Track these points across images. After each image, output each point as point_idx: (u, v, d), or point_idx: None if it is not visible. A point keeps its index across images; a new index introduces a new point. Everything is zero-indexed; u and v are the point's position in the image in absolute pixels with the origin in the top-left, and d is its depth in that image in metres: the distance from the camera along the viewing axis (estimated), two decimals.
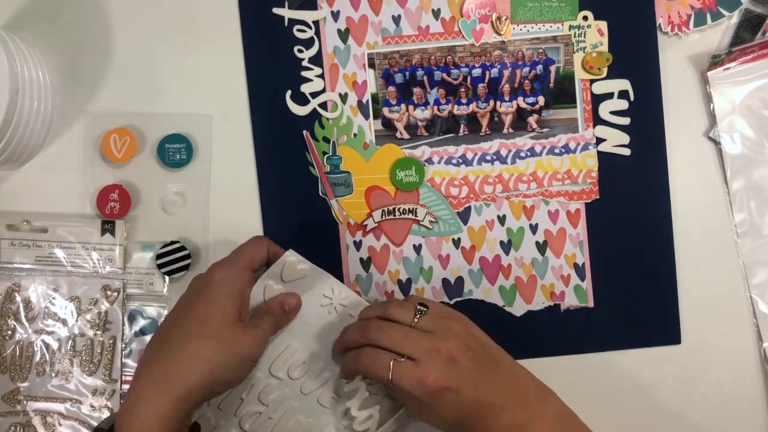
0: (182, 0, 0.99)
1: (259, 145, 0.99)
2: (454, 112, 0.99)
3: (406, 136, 0.99)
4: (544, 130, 0.99)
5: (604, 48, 0.99)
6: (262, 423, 0.88)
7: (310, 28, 0.99)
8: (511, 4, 0.99)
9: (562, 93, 1.00)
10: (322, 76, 0.99)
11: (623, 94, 0.99)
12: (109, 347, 0.96)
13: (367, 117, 0.99)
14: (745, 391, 1.01)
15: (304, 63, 0.99)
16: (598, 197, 0.99)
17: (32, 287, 0.96)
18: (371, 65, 0.99)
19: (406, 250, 0.99)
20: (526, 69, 0.99)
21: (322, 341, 0.90)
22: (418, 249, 0.99)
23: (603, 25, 0.99)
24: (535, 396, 0.82)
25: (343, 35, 0.99)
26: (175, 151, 0.97)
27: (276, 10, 0.99)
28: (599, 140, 0.99)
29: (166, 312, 0.98)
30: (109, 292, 0.96)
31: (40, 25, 0.98)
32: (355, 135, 0.99)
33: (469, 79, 0.99)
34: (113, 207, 0.96)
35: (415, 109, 0.99)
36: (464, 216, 0.99)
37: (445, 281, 0.99)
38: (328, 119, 0.99)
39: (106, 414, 0.96)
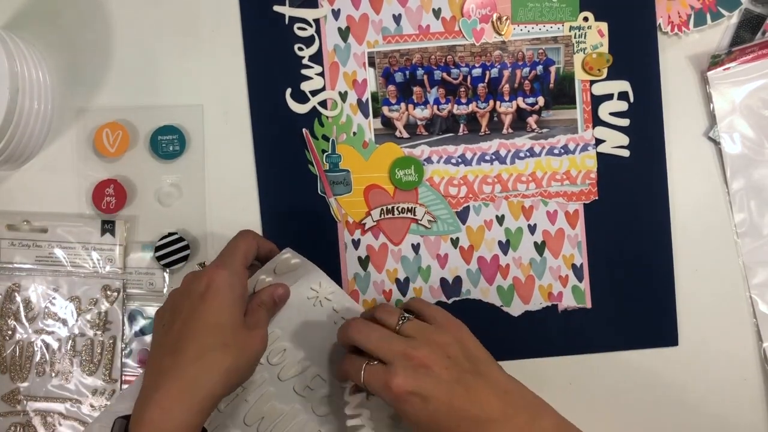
0: None
1: (258, 142, 0.99)
2: (453, 111, 0.99)
3: (405, 135, 0.99)
4: (544, 130, 0.99)
5: (605, 49, 0.99)
6: (237, 404, 0.89)
7: (311, 26, 0.99)
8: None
9: (561, 94, 0.99)
10: (322, 74, 0.99)
11: (623, 96, 0.99)
12: (109, 347, 0.96)
13: (366, 116, 0.99)
14: (745, 391, 1.01)
15: (305, 61, 0.99)
16: (596, 198, 0.99)
17: (32, 287, 0.96)
18: (371, 64, 0.99)
19: (404, 249, 0.99)
20: (526, 69, 0.99)
21: (304, 332, 0.90)
22: (416, 248, 0.99)
23: (603, 26, 0.99)
24: (526, 413, 0.79)
25: (344, 34, 0.99)
26: (168, 143, 0.97)
27: (277, 8, 0.99)
28: (598, 141, 0.99)
29: None
30: (109, 292, 0.96)
31: (40, 25, 0.98)
32: (354, 133, 0.99)
33: (469, 78, 0.99)
34: (109, 202, 0.96)
35: (414, 109, 0.99)
36: (463, 216, 0.99)
37: (443, 281, 0.99)
38: (327, 117, 0.99)
39: None
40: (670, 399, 1.00)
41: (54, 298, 0.96)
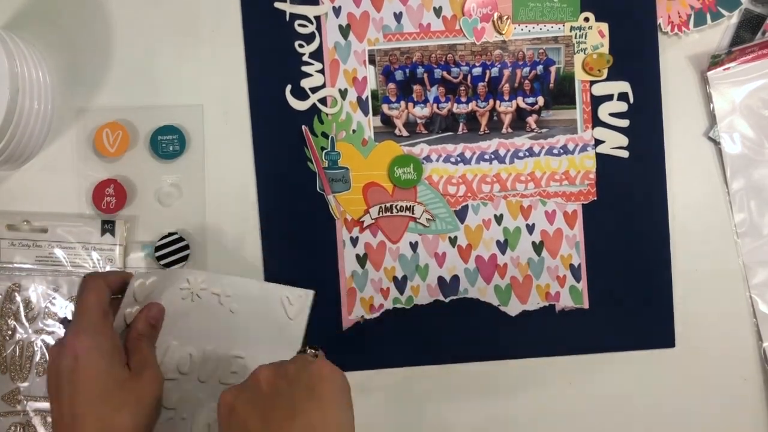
0: None
1: (257, 139, 0.99)
2: (453, 110, 0.99)
3: (405, 133, 0.99)
4: (543, 130, 0.99)
5: (605, 50, 0.98)
6: (177, 425, 0.89)
7: (312, 23, 0.99)
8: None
9: (561, 94, 0.99)
10: (322, 71, 0.99)
11: (623, 96, 0.99)
12: None
13: (366, 113, 0.99)
14: (745, 391, 1.01)
15: (305, 58, 0.99)
16: (595, 199, 0.99)
17: (32, 287, 0.96)
18: (372, 62, 0.99)
19: (402, 247, 1.00)
20: (527, 69, 0.99)
21: (198, 327, 0.91)
22: (414, 246, 1.00)
23: (604, 26, 0.98)
24: None
25: (344, 31, 0.99)
26: (168, 143, 0.98)
27: (278, 5, 0.99)
28: (598, 142, 0.99)
29: None
30: None
31: (40, 25, 0.98)
32: (354, 131, 0.99)
33: (469, 77, 0.99)
34: (109, 202, 0.97)
35: (414, 107, 0.99)
36: (461, 214, 1.00)
37: (440, 279, 1.00)
38: (327, 115, 0.99)
39: None
40: (671, 399, 1.01)
41: (54, 298, 0.97)
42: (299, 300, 0.92)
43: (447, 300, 1.00)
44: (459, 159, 0.99)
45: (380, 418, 1.00)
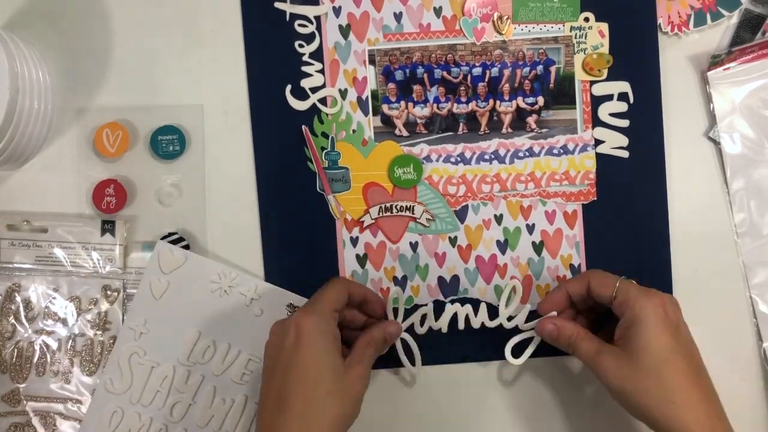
0: None
1: (257, 139, 0.99)
2: (453, 110, 0.99)
3: (405, 133, 0.99)
4: (543, 130, 0.99)
5: (605, 50, 0.98)
6: (185, 409, 0.94)
7: (312, 23, 0.99)
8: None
9: (561, 94, 0.99)
10: (322, 71, 0.99)
11: (623, 96, 0.99)
12: (109, 347, 0.96)
13: (366, 113, 0.99)
14: (745, 391, 1.01)
15: (305, 58, 0.99)
16: (595, 199, 0.99)
17: (32, 287, 0.96)
18: (372, 62, 0.99)
19: (402, 247, 1.00)
20: (527, 69, 0.99)
21: (221, 322, 0.95)
22: (414, 246, 1.00)
23: (604, 26, 0.98)
24: None
25: (345, 31, 0.99)
26: (168, 143, 0.98)
27: (278, 5, 0.99)
28: (598, 142, 0.99)
29: None
30: (109, 292, 0.97)
31: (40, 25, 0.98)
32: (354, 131, 0.99)
33: (469, 77, 0.99)
34: (109, 202, 0.97)
35: (414, 107, 0.99)
36: (461, 214, 1.00)
37: (440, 279, 1.00)
38: (327, 115, 0.99)
39: None
40: None
41: (54, 298, 0.96)
42: None
43: (447, 300, 0.99)
44: (459, 159, 0.99)
45: (380, 417, 1.00)
